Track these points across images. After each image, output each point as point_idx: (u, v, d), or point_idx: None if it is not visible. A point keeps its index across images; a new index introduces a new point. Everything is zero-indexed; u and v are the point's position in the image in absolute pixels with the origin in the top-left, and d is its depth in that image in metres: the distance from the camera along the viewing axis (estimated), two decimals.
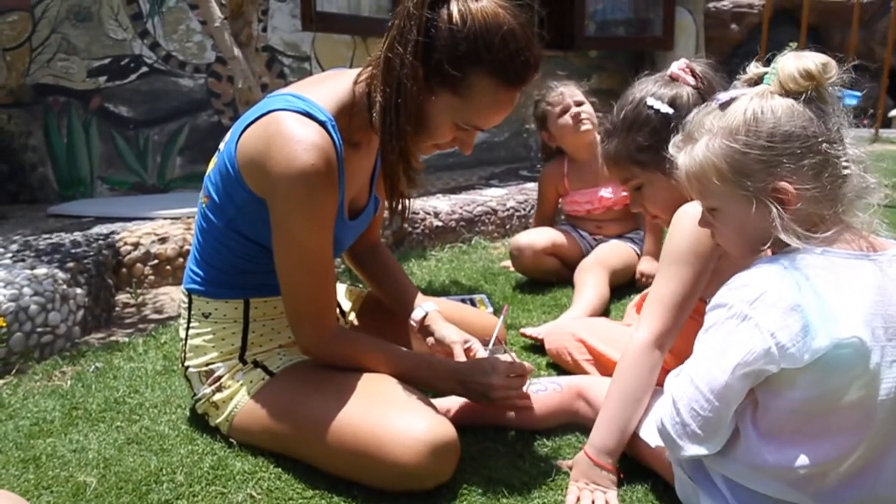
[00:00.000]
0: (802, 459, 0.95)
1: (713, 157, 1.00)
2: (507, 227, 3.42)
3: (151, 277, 2.65)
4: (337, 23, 4.10)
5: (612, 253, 2.37)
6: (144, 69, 3.62)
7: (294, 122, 1.20)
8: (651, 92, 1.35)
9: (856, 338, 0.90)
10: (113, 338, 2.11)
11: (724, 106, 1.01)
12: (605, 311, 2.12)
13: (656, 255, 2.27)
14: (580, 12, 5.04)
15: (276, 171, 1.18)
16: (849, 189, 0.97)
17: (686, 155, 1.04)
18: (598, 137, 2.38)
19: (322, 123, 1.22)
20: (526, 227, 3.41)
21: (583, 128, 2.41)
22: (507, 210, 3.45)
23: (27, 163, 3.43)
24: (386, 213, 1.43)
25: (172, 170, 3.73)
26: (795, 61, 0.97)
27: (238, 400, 1.33)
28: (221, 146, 1.36)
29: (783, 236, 0.96)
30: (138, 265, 2.62)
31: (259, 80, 2.64)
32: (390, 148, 1.24)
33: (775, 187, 0.96)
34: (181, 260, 2.70)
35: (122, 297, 2.51)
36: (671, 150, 1.08)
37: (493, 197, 3.52)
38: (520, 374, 1.33)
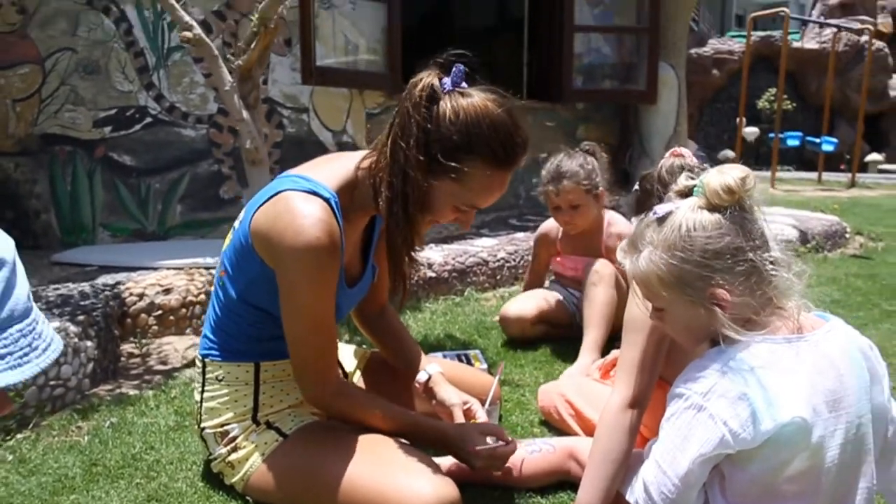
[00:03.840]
0: None
1: (654, 269, 1.14)
2: (498, 277, 3.54)
3: (155, 328, 2.74)
4: (334, 77, 4.27)
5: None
6: (149, 119, 3.75)
7: (301, 201, 1.33)
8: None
9: (798, 417, 1.04)
10: (121, 390, 2.19)
11: (661, 220, 1.15)
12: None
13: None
14: (568, 66, 5.26)
15: (285, 243, 1.30)
16: (776, 286, 1.12)
17: (631, 263, 1.18)
18: (605, 213, 2.49)
19: (326, 200, 1.34)
20: (516, 279, 3.54)
21: (569, 230, 2.51)
22: (498, 261, 3.58)
23: (31, 210, 3.53)
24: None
25: (173, 217, 3.83)
26: (718, 177, 1.12)
27: (253, 461, 1.42)
28: (236, 224, 1.48)
29: (724, 331, 1.10)
30: (143, 315, 2.71)
31: (264, 138, 2.77)
32: (397, 233, 1.37)
33: (712, 293, 1.11)
34: (184, 311, 2.79)
35: (126, 347, 2.59)
36: (618, 255, 1.23)
37: (484, 247, 3.66)
38: (501, 456, 1.40)
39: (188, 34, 2.48)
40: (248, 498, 1.43)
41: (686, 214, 1.14)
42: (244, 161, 2.63)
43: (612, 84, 5.79)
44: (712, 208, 1.13)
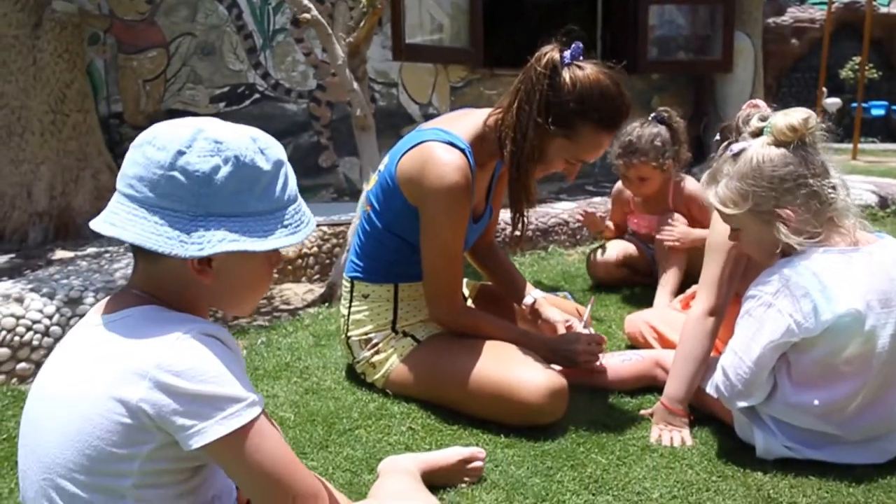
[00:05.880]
0: (821, 398, 1.33)
1: (731, 194, 1.38)
2: (578, 237, 3.78)
3: (276, 276, 3.12)
4: (422, 53, 4.56)
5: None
6: (256, 96, 4.15)
7: (442, 150, 1.62)
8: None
9: (853, 309, 1.28)
10: (258, 322, 2.57)
11: (735, 156, 1.39)
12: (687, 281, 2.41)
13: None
14: (643, 38, 5.39)
15: (430, 186, 1.60)
16: (835, 207, 1.34)
17: (711, 191, 1.42)
18: (680, 174, 2.67)
19: (462, 150, 1.63)
20: (595, 239, 3.77)
21: (636, 196, 2.70)
22: (578, 222, 3.81)
23: None
24: (506, 216, 1.84)
25: None
26: (784, 119, 1.35)
27: (392, 361, 1.74)
28: (381, 167, 1.79)
29: (787, 240, 1.34)
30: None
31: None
32: (517, 179, 1.65)
33: (779, 213, 1.34)
34: (300, 261, 3.16)
35: None
36: (701, 186, 1.47)
37: (564, 210, 3.90)
38: (598, 342, 1.70)
39: (307, 16, 2.80)
40: (387, 391, 1.75)
41: (756, 150, 1.37)
42: (354, 127, 2.95)
43: (687, 55, 5.86)
44: (779, 144, 1.36)
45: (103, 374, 0.83)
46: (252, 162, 0.89)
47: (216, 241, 0.86)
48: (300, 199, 0.98)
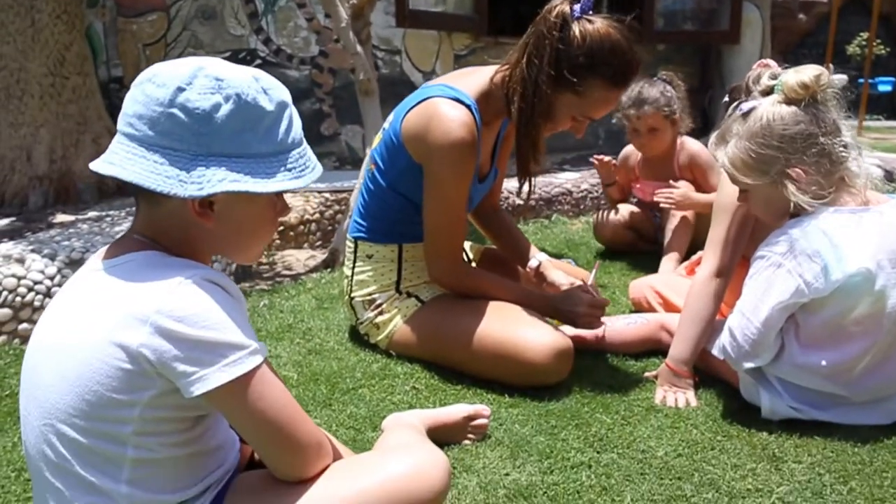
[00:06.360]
0: (828, 359, 1.32)
1: (741, 154, 1.35)
2: (582, 207, 3.76)
3: (277, 241, 3.11)
4: (426, 19, 4.49)
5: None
6: (258, 62, 4.09)
7: (448, 106, 1.59)
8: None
9: (864, 268, 1.26)
10: (260, 287, 2.55)
11: (745, 115, 1.36)
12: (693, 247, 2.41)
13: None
14: (650, 8, 5.30)
15: (435, 141, 1.57)
16: (846, 166, 1.31)
17: (721, 152, 1.39)
18: (679, 137, 2.64)
19: (468, 107, 1.60)
20: (598, 209, 3.74)
21: (645, 153, 2.66)
22: (581, 192, 3.79)
23: None
24: (510, 185, 1.81)
25: None
26: (795, 76, 1.32)
27: (396, 322, 1.73)
28: (386, 125, 1.75)
29: (796, 200, 1.31)
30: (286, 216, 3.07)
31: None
32: (525, 136, 1.62)
33: (788, 173, 1.31)
34: (301, 227, 3.15)
35: None
36: (710, 146, 1.44)
37: (568, 179, 3.87)
38: (600, 304, 1.68)
39: None
40: (391, 352, 1.74)
41: (767, 108, 1.34)
42: (357, 91, 2.91)
43: (694, 26, 5.78)
44: (789, 102, 1.33)
45: (103, 319, 0.82)
46: (254, 101, 0.87)
47: (216, 181, 0.84)
48: (305, 144, 0.96)
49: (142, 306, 0.81)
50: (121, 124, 0.88)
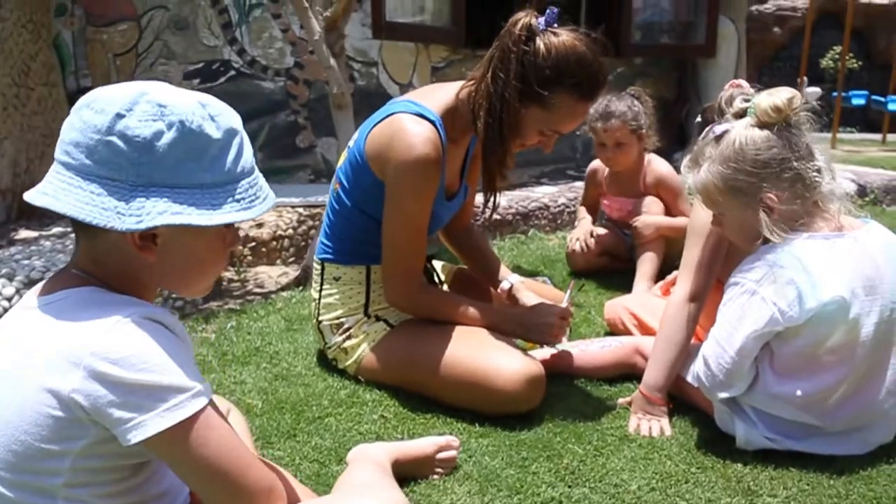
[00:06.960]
0: (803, 389, 1.29)
1: (713, 179, 1.33)
2: (559, 221, 3.73)
3: (249, 258, 3.04)
4: (403, 31, 4.46)
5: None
6: (232, 73, 4.02)
7: (411, 122, 1.55)
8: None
9: (839, 296, 1.23)
10: (229, 306, 2.49)
11: (718, 138, 1.33)
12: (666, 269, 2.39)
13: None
14: (627, 21, 5.32)
15: (397, 157, 1.53)
16: (820, 190, 1.29)
17: (694, 176, 1.37)
18: (646, 155, 2.64)
19: (433, 122, 1.56)
20: (576, 223, 3.72)
21: (611, 167, 2.66)
22: (559, 206, 3.77)
23: None
24: (479, 202, 1.77)
25: None
26: (767, 99, 1.30)
27: (364, 347, 1.68)
28: (351, 143, 1.71)
29: (768, 234, 1.29)
30: (238, 247, 3.00)
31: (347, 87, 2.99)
32: (491, 150, 1.58)
33: (761, 198, 1.29)
34: (274, 243, 3.08)
35: (226, 275, 2.89)
36: (682, 170, 1.41)
37: (545, 194, 3.84)
38: (568, 315, 1.65)
39: None
40: (359, 378, 1.69)
41: (739, 132, 1.32)
42: (331, 105, 2.86)
43: (671, 40, 5.81)
44: (762, 126, 1.30)
45: (33, 363, 0.76)
46: (199, 128, 0.82)
47: (156, 214, 0.78)
48: (257, 173, 0.91)
49: (75, 348, 0.76)
50: (57, 152, 0.83)
